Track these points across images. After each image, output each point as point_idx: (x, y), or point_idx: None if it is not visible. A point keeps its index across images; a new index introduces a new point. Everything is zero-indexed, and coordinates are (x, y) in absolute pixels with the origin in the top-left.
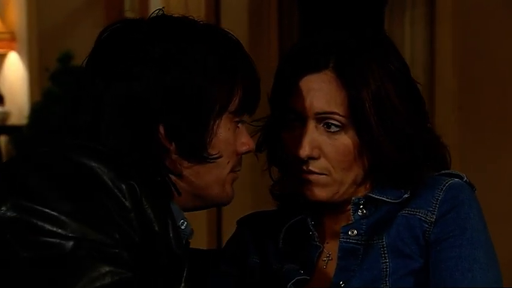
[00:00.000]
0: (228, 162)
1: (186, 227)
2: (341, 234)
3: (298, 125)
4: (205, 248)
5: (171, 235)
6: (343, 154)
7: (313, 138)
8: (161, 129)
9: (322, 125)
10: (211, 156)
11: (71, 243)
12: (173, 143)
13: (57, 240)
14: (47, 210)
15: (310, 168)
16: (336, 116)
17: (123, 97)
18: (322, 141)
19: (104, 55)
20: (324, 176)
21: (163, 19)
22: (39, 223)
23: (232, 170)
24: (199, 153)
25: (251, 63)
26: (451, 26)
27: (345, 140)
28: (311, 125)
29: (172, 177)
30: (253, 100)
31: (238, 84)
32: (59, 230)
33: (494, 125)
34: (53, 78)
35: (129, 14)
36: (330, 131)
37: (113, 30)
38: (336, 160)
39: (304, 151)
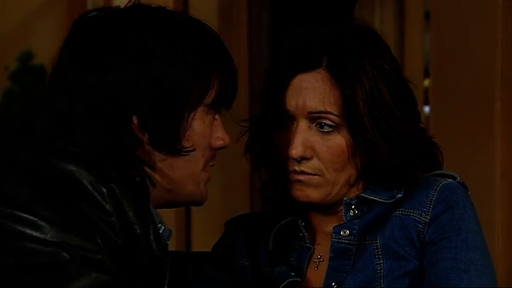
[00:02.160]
0: (202, 155)
1: (163, 230)
2: (333, 234)
3: (290, 124)
4: (185, 251)
5: (151, 238)
6: (336, 154)
7: (305, 138)
8: (134, 120)
9: (315, 124)
10: (185, 149)
11: (52, 249)
12: (146, 134)
13: (39, 246)
14: (26, 216)
15: (303, 168)
16: (330, 116)
17: (96, 87)
18: (315, 141)
19: (79, 44)
20: (317, 176)
21: (140, 9)
22: (19, 228)
23: (205, 166)
24: (172, 145)
25: (229, 57)
26: (421, 25)
27: (338, 140)
28: (304, 124)
29: (147, 169)
30: (230, 94)
31: (215, 77)
32: (40, 235)
33: (468, 125)
34: (12, 78)
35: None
36: (323, 131)
37: (88, 19)
38: (329, 160)
39: (297, 151)
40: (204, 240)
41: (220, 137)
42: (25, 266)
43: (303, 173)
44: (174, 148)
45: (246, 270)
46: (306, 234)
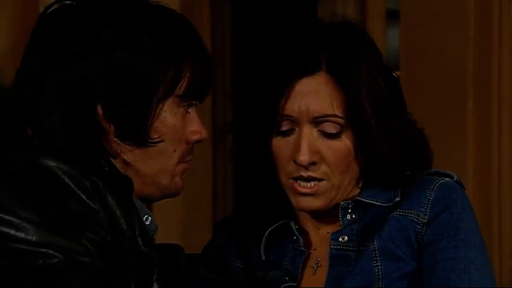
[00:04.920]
0: (175, 150)
1: (150, 222)
2: (331, 241)
3: (292, 130)
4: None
5: (137, 233)
6: (342, 157)
7: (311, 143)
8: (99, 109)
9: (318, 128)
10: (151, 140)
11: (41, 250)
12: (111, 124)
13: (28, 247)
14: (9, 218)
15: (310, 173)
16: (336, 119)
17: (63, 75)
18: (321, 146)
19: (47, 33)
20: (324, 181)
21: None
22: (4, 229)
23: (181, 160)
24: (137, 136)
25: (202, 47)
26: (382, 22)
27: (343, 142)
28: (308, 129)
29: (119, 163)
30: (203, 85)
31: (186, 68)
32: (26, 237)
33: (440, 123)
34: None
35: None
36: (328, 134)
37: (57, 8)
38: (334, 164)
39: (305, 157)
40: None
41: (196, 130)
42: (15, 267)
43: (309, 178)
44: (139, 138)
45: (239, 272)
46: (300, 237)
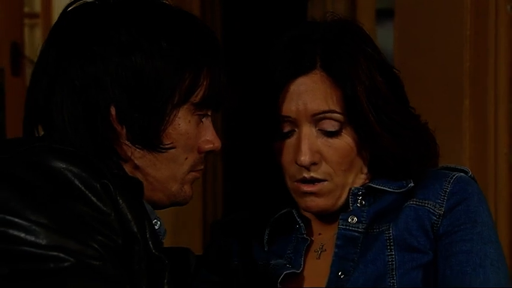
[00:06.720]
0: (187, 158)
1: (159, 226)
2: (340, 221)
3: (292, 132)
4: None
5: (147, 236)
6: (343, 155)
7: (312, 142)
8: (112, 111)
9: (318, 128)
10: (163, 146)
11: (51, 253)
12: (124, 127)
13: (38, 251)
14: (18, 220)
15: (312, 174)
16: (334, 115)
17: (78, 73)
18: (321, 145)
19: (65, 31)
20: (326, 182)
21: (132, 0)
22: (14, 233)
23: (192, 169)
24: (149, 140)
25: (222, 57)
26: (372, 21)
27: (344, 140)
28: (307, 129)
29: (128, 167)
30: (220, 95)
31: (204, 76)
32: (36, 240)
33: (436, 123)
34: None
35: (28, 9)
36: (328, 132)
37: (78, 7)
38: (336, 163)
39: (306, 158)
40: None
41: (209, 139)
42: (25, 271)
43: (312, 179)
44: (151, 143)
45: (241, 269)
46: (302, 225)
